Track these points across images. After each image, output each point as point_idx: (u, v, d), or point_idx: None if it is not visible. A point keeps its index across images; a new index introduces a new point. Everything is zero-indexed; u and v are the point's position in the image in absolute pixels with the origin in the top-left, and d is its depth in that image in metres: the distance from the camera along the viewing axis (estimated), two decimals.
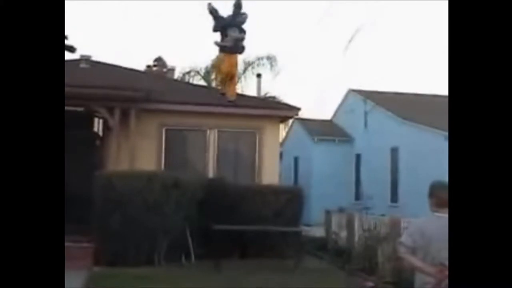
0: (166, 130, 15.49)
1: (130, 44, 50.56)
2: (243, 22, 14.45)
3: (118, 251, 12.14)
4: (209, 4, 15.19)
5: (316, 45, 55.15)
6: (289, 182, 23.65)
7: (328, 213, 17.11)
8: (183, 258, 12.91)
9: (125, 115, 14.30)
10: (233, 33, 13.77)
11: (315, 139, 25.31)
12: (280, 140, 20.90)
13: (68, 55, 16.86)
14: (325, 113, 32.85)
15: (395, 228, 11.97)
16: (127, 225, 12.20)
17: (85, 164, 14.32)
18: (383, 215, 14.02)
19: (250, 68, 35.07)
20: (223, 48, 13.91)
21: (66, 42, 16.13)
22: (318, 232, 17.24)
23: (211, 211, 13.27)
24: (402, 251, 5.33)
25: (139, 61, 51.06)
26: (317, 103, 54.04)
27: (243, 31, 14.33)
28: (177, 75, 30.19)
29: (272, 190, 14.61)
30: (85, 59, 18.03)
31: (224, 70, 14.57)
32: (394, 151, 22.18)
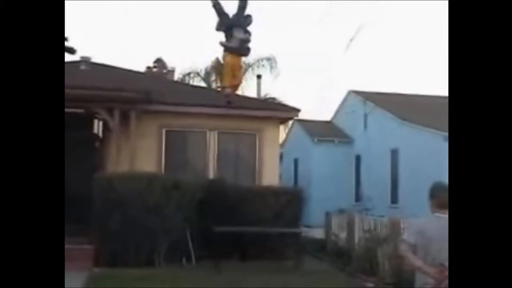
0: (166, 132, 15.50)
1: (130, 46, 50.56)
2: (248, 23, 14.24)
3: (119, 252, 12.15)
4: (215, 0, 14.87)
5: (316, 46, 55.12)
6: (289, 183, 23.63)
7: (328, 214, 17.12)
8: (183, 259, 12.91)
9: (125, 116, 14.30)
10: (238, 34, 13.56)
11: (315, 140, 25.31)
12: (280, 141, 20.89)
13: (68, 57, 16.89)
14: (325, 114, 32.86)
15: (395, 229, 11.97)
16: (127, 226, 12.21)
17: (85, 165, 14.33)
18: (382, 216, 14.02)
19: (250, 69, 35.06)
20: (228, 49, 13.72)
21: (66, 43, 16.15)
22: (318, 233, 17.25)
23: (211, 213, 13.27)
24: (403, 249, 5.33)
25: (139, 63, 51.14)
26: (317, 104, 54.03)
27: (248, 33, 14.13)
28: (177, 76, 30.24)
29: (272, 192, 14.61)
30: (85, 60, 18.04)
31: (229, 69, 14.35)
32: (394, 152, 22.17)
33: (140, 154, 14.44)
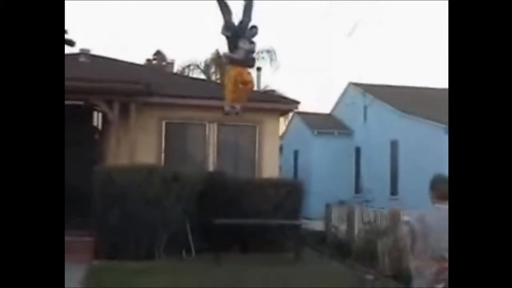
0: (166, 124, 15.49)
1: (129, 38, 50.51)
2: (253, 35, 13.65)
3: (118, 244, 12.16)
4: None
5: (316, 39, 55.09)
6: (289, 175, 23.63)
7: (328, 206, 17.13)
8: (183, 251, 12.92)
9: (124, 108, 14.29)
10: (243, 45, 13.01)
11: (315, 132, 25.29)
12: (280, 133, 20.88)
13: (67, 49, 16.84)
14: (325, 106, 32.85)
15: (395, 221, 11.98)
16: (127, 219, 12.22)
17: (84, 158, 14.32)
18: (382, 208, 14.02)
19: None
20: (233, 61, 13.04)
21: (66, 36, 16.10)
22: (318, 225, 17.25)
23: (211, 205, 13.28)
24: (406, 230, 5.33)
25: (138, 55, 51.04)
26: (317, 96, 54.02)
27: (253, 43, 13.56)
28: (176, 68, 30.20)
29: (272, 184, 14.61)
30: (84, 53, 18.00)
31: (234, 82, 13.39)
32: (394, 144, 22.16)
33: (140, 146, 14.43)
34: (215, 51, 35.44)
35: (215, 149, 15.73)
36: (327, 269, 12.24)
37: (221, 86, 16.11)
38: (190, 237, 13.08)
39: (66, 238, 4.12)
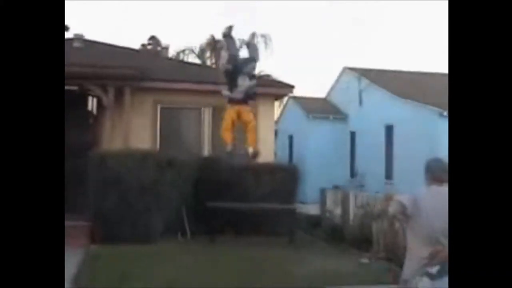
0: (161, 109, 15.48)
1: (124, 23, 50.31)
2: (252, 70, 12.85)
3: (114, 229, 12.18)
4: (228, 28, 13.01)
5: (311, 23, 54.97)
6: (284, 160, 23.66)
7: (322, 190, 17.18)
8: (179, 235, 12.97)
9: (119, 93, 14.27)
10: (243, 82, 12.42)
11: (310, 116, 25.29)
12: (275, 118, 20.87)
13: None
14: (320, 91, 32.84)
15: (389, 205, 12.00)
16: (123, 203, 12.24)
17: (79, 143, 14.31)
18: (377, 192, 14.08)
19: (244, 45, 34.92)
20: (232, 100, 12.34)
21: None
22: (313, 209, 17.31)
23: (206, 189, 13.31)
24: (395, 207, 5.34)
25: (133, 40, 50.84)
26: (312, 81, 53.91)
27: (253, 77, 12.79)
28: (171, 53, 30.12)
29: (267, 168, 14.63)
30: (78, 38, 17.93)
31: (241, 120, 12.54)
32: (389, 129, 22.20)
33: (135, 131, 14.43)
34: (210, 36, 35.39)
35: (210, 133, 15.73)
36: (321, 253, 12.30)
37: (215, 71, 15.89)
38: (185, 220, 13.13)
39: None
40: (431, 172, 5.34)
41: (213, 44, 35.21)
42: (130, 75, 14.46)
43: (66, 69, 4.17)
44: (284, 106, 28.76)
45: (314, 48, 55.17)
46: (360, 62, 48.53)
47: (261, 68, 30.75)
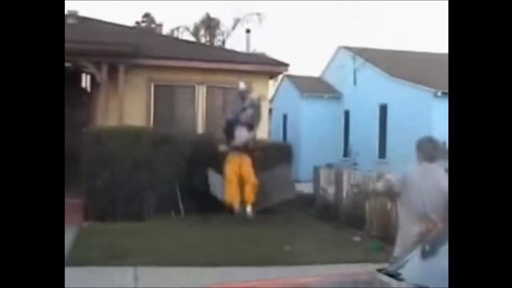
0: (155, 86, 15.45)
1: (118, 0, 49.87)
2: (250, 117, 12.62)
3: (108, 206, 12.21)
4: (244, 85, 13.01)
5: (306, 1, 54.71)
6: (278, 138, 23.68)
7: (316, 169, 17.22)
8: (172, 212, 13.01)
9: (113, 71, 14.22)
10: (240, 132, 12.34)
11: (304, 95, 25.27)
12: (269, 96, 20.85)
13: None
14: (315, 69, 32.79)
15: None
16: (116, 180, 12.26)
17: (73, 120, 14.27)
18: (370, 171, 14.12)
19: (239, 24, 34.88)
20: (232, 149, 12.25)
21: None
22: (306, 188, 17.37)
23: (200, 166, 13.32)
24: (383, 185, 5.39)
25: (127, 17, 50.56)
26: (307, 59, 53.80)
27: (252, 128, 12.57)
28: (165, 31, 30.01)
29: (261, 146, 14.62)
30: (72, 14, 17.80)
31: (239, 174, 12.35)
32: (383, 108, 22.21)
33: (129, 108, 14.41)
34: (205, 13, 35.25)
35: (204, 111, 15.72)
36: (314, 231, 12.36)
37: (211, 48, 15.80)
38: (179, 198, 13.16)
39: None
40: (422, 151, 5.37)
41: (207, 22, 35.09)
42: (124, 52, 14.40)
43: None
44: (279, 85, 28.72)
45: (309, 27, 54.98)
46: (355, 41, 48.38)
47: (255, 46, 30.69)
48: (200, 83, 15.65)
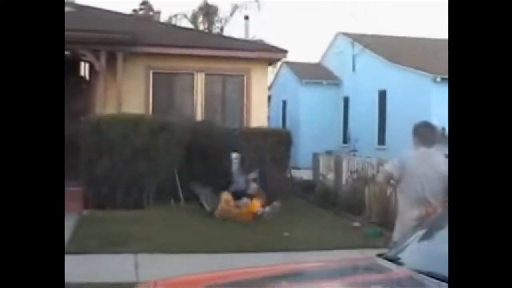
0: (153, 74, 15.42)
1: None
2: (253, 191, 12.99)
3: (107, 194, 12.23)
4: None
5: None
6: (277, 125, 23.68)
7: (315, 155, 17.24)
8: (172, 200, 13.03)
9: (111, 58, 14.19)
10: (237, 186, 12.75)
11: (303, 82, 25.24)
12: (268, 83, 20.83)
13: None
14: (314, 56, 32.73)
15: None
16: (116, 168, 12.27)
17: (71, 108, 14.25)
18: (370, 157, 14.14)
19: (237, 10, 34.77)
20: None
21: None
22: (306, 174, 17.40)
23: (199, 154, 13.34)
24: (383, 177, 5.41)
25: (125, 5, 50.38)
26: (305, 46, 53.63)
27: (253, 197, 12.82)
28: (163, 18, 29.94)
29: (260, 133, 14.66)
30: (70, 2, 17.75)
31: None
32: (382, 94, 22.18)
33: (127, 96, 14.39)
34: (203, 1, 35.14)
35: (203, 98, 15.71)
36: (314, 216, 12.40)
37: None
38: (178, 186, 13.17)
39: None
40: (419, 136, 5.37)
41: (205, 9, 34.98)
42: (122, 40, 14.36)
43: None
44: (278, 71, 28.67)
45: (307, 13, 54.83)
46: (353, 27, 48.26)
47: (254, 33, 30.63)
48: (199, 70, 15.63)
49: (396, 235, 5.22)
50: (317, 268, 4.36)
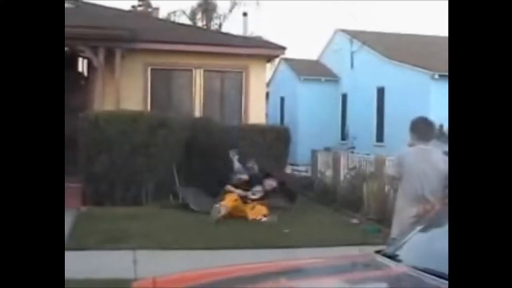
0: (152, 70, 15.41)
1: None
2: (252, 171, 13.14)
3: (105, 191, 12.23)
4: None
5: None
6: (275, 121, 23.66)
7: (314, 152, 17.25)
8: (170, 196, 13.02)
9: (110, 55, 14.18)
10: (257, 189, 12.75)
11: (302, 78, 25.22)
12: (267, 80, 20.82)
13: None
14: (312, 52, 32.70)
15: (379, 166, 12.11)
16: (114, 165, 12.26)
17: (70, 105, 14.23)
18: (368, 154, 14.15)
19: (236, 7, 34.75)
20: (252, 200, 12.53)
21: None
22: (304, 171, 17.41)
23: (197, 151, 13.34)
24: (388, 180, 5.43)
25: (124, 2, 50.28)
26: (304, 42, 53.63)
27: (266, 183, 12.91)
28: (162, 14, 29.87)
29: (259, 130, 14.66)
30: None
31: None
32: (381, 91, 22.17)
33: (126, 92, 14.39)
34: None
35: (202, 95, 15.71)
36: (312, 214, 12.40)
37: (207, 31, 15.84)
38: (177, 182, 13.17)
39: None
40: (416, 132, 5.37)
41: (204, 5, 34.95)
42: (121, 36, 14.34)
43: None
44: (276, 68, 28.65)
45: (306, 9, 54.79)
46: (352, 24, 48.30)
47: (252, 30, 30.59)
48: (197, 67, 15.62)
49: (394, 232, 5.24)
50: (315, 264, 4.37)
